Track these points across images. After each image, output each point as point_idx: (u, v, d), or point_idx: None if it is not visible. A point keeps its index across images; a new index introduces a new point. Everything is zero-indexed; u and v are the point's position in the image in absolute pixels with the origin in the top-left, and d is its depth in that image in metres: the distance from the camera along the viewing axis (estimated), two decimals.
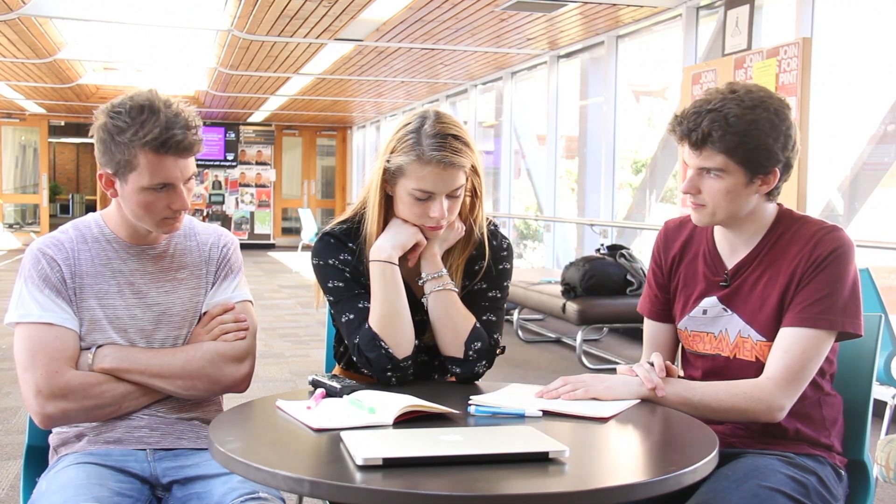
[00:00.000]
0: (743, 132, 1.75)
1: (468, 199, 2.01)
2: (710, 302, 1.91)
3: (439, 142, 1.85)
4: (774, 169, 1.80)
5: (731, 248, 1.92)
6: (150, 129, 1.75)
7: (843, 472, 1.86)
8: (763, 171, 1.79)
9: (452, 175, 1.87)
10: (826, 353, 1.79)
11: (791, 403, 1.77)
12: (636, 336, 6.77)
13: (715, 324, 1.91)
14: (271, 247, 18.01)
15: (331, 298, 2.00)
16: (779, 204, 1.91)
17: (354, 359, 1.95)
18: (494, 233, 2.07)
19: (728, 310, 1.89)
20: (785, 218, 1.89)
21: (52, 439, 1.92)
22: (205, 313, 1.96)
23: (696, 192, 1.83)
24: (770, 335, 1.83)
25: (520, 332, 7.24)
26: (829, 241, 1.80)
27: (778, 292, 1.82)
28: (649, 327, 2.08)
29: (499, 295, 2.04)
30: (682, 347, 2.02)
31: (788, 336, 1.78)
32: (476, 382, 1.99)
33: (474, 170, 1.94)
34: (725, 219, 1.85)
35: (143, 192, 1.81)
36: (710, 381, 1.88)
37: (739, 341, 1.87)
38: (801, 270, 1.80)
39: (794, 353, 1.76)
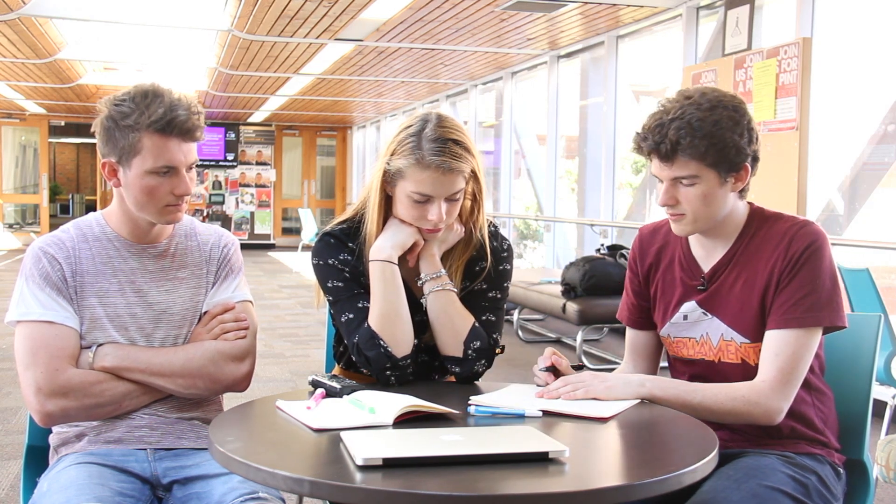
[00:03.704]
0: (709, 134, 1.75)
1: (468, 203, 2.01)
2: (690, 307, 1.91)
3: (439, 146, 1.85)
4: (745, 164, 1.81)
5: (706, 252, 1.91)
6: (155, 109, 1.78)
7: (841, 471, 1.86)
8: (735, 169, 1.80)
9: (451, 179, 1.87)
10: (815, 349, 1.80)
11: (788, 405, 1.77)
12: None
13: (695, 328, 1.91)
14: (271, 247, 18.01)
15: (330, 298, 2.00)
16: (749, 203, 1.91)
17: (354, 358, 1.95)
18: (495, 234, 2.07)
19: (708, 314, 1.89)
20: (756, 217, 1.89)
21: (53, 439, 1.92)
22: (205, 313, 1.96)
23: (673, 202, 1.82)
24: (754, 336, 1.83)
25: (520, 332, 7.24)
26: (803, 236, 1.80)
27: (758, 293, 1.82)
28: (630, 334, 2.08)
29: (499, 295, 2.04)
30: (668, 354, 2.02)
31: (777, 338, 1.78)
32: (476, 382, 1.99)
33: (474, 174, 1.94)
34: (705, 225, 1.84)
35: (147, 177, 1.82)
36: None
37: (723, 344, 1.87)
38: (779, 270, 1.80)
39: (785, 355, 1.76)
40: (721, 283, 1.88)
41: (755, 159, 1.83)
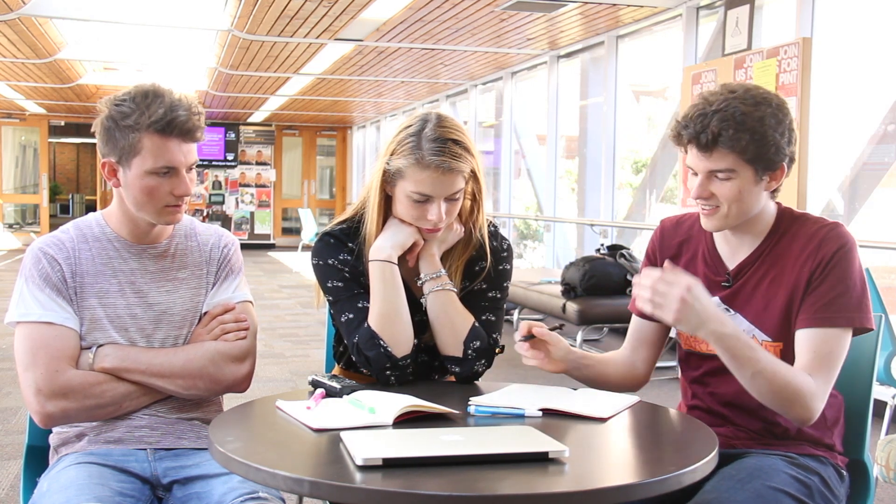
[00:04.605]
0: (752, 129, 1.73)
1: (468, 203, 2.01)
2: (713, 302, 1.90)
3: (439, 146, 1.85)
4: (782, 164, 1.80)
5: (732, 249, 1.90)
6: (156, 110, 1.78)
7: (844, 473, 1.86)
8: (772, 168, 1.79)
9: (451, 179, 1.87)
10: (847, 351, 1.78)
11: (822, 407, 1.74)
12: None
13: None
14: (271, 247, 18.01)
15: (330, 298, 2.00)
16: (777, 203, 1.90)
17: (354, 358, 1.95)
18: (494, 233, 2.07)
19: (731, 310, 1.87)
20: (785, 217, 1.88)
21: (53, 439, 1.92)
22: (205, 313, 1.96)
23: (708, 195, 1.80)
24: (777, 335, 1.82)
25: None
26: (833, 239, 1.79)
27: (785, 293, 1.81)
28: (636, 324, 2.05)
29: (498, 295, 2.04)
30: (682, 348, 2.01)
31: (812, 337, 1.76)
32: (476, 382, 2.00)
33: (474, 174, 1.94)
34: (736, 221, 1.82)
35: (147, 177, 1.82)
36: (714, 381, 1.88)
37: None
38: (809, 271, 1.78)
39: (822, 353, 1.74)
40: (747, 280, 1.87)
41: (791, 160, 1.82)
